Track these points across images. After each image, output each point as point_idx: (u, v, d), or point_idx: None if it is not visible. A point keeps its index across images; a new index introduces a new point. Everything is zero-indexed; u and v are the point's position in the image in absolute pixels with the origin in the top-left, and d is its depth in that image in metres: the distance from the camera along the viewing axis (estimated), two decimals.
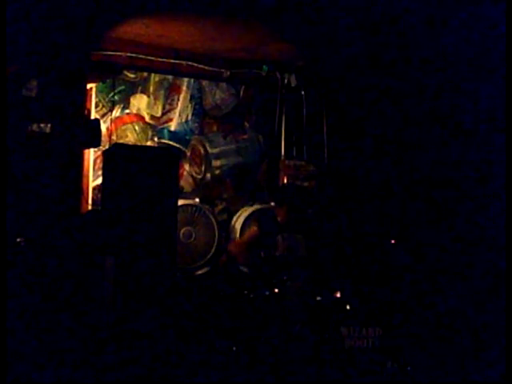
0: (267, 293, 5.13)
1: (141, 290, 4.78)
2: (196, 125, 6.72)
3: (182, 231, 5.99)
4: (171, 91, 6.66)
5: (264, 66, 6.39)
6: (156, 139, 6.60)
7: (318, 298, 5.12)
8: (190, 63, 6.09)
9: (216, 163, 6.41)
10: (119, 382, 4.62)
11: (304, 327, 4.99)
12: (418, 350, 5.20)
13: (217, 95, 6.70)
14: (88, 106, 5.87)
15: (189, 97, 6.66)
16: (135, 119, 6.55)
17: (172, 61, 6.02)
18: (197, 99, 6.70)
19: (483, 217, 5.83)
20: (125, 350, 4.67)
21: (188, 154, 6.55)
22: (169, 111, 6.64)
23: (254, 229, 5.58)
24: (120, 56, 5.79)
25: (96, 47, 5.64)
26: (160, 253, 4.86)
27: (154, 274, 4.82)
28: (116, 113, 6.48)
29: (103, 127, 6.02)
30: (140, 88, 6.64)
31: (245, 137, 6.61)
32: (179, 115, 6.63)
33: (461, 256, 5.93)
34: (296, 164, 6.42)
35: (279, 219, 5.49)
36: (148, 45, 5.87)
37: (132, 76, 6.56)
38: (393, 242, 6.02)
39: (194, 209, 6.11)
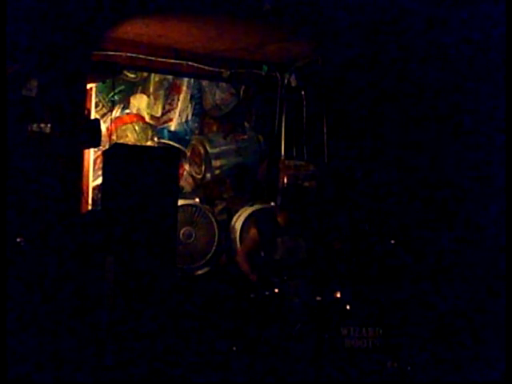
0: (267, 293, 5.12)
1: (141, 290, 4.78)
2: (196, 125, 6.73)
3: (182, 231, 5.98)
4: (171, 91, 6.67)
5: (264, 66, 6.38)
6: (156, 139, 6.60)
7: (318, 298, 5.11)
8: (190, 63, 6.10)
9: (216, 163, 6.41)
10: (119, 381, 4.62)
11: (304, 327, 4.99)
12: (417, 350, 5.20)
13: (217, 95, 6.70)
14: (88, 106, 5.87)
15: (189, 97, 6.67)
16: (135, 119, 6.55)
17: (172, 61, 6.02)
18: (197, 99, 6.71)
19: (483, 217, 5.83)
20: (125, 350, 4.67)
21: (188, 154, 6.55)
22: (169, 111, 6.64)
23: (253, 232, 5.53)
24: (120, 56, 5.79)
25: (96, 47, 5.64)
26: (160, 253, 4.86)
27: (154, 274, 4.82)
28: (116, 113, 6.48)
29: (103, 127, 6.02)
30: (140, 88, 6.64)
31: (245, 137, 6.61)
32: (179, 115, 6.64)
33: (461, 256, 5.93)
34: (296, 164, 6.40)
35: (279, 220, 5.47)
36: (148, 45, 5.87)
37: (132, 76, 6.56)
38: (393, 242, 6.02)
39: (194, 209, 6.10)
